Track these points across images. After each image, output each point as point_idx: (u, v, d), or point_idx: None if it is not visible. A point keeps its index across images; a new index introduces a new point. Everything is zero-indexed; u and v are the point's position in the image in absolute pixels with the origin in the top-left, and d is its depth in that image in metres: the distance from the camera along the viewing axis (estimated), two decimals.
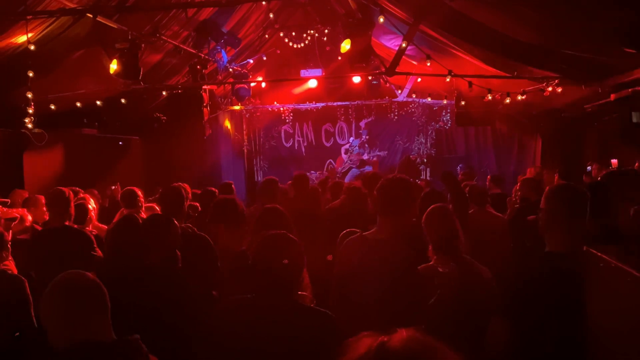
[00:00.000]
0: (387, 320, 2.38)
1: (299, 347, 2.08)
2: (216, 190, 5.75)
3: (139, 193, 5.18)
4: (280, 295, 2.18)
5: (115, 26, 6.65)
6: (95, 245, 4.11)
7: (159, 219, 3.37)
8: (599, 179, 4.24)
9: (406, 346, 0.90)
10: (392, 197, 2.84)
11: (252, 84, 11.09)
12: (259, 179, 14.15)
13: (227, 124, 13.79)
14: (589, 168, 9.13)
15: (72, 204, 4.31)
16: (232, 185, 6.41)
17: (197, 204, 5.83)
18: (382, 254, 2.75)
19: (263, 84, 12.78)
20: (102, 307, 1.93)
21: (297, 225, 3.59)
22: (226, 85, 11.38)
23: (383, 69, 8.02)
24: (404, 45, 7.29)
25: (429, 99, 13.01)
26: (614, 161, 8.49)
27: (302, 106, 13.85)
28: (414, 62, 9.44)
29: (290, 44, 11.67)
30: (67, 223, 4.22)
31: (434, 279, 2.82)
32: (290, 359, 2.08)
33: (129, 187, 5.31)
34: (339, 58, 10.94)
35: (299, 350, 2.07)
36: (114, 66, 6.74)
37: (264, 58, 12.03)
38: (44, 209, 5.19)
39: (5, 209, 4.75)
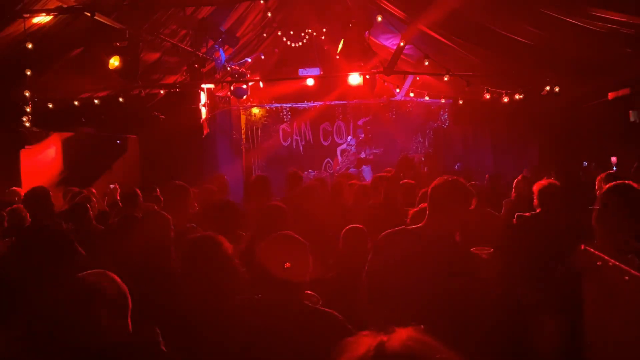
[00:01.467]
0: (426, 314, 2.34)
1: (307, 347, 2.08)
2: (215, 188, 5.70)
3: (139, 193, 5.14)
4: (286, 296, 2.20)
5: (114, 25, 6.64)
6: (74, 245, 3.99)
7: (155, 216, 3.35)
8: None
9: (405, 346, 0.90)
10: (442, 198, 2.83)
11: (250, 83, 11.08)
12: None
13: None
14: (585, 163, 9.15)
15: (51, 202, 4.17)
16: (224, 177, 6.35)
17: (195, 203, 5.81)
18: (426, 247, 2.73)
19: (261, 84, 12.76)
20: (125, 310, 1.92)
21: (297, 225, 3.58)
22: (224, 84, 11.35)
23: (381, 68, 8.02)
24: (402, 44, 7.30)
25: (427, 98, 13.01)
26: (614, 159, 8.51)
27: (300, 105, 13.84)
28: (412, 61, 9.44)
29: (289, 42, 11.66)
30: (49, 222, 4.06)
31: (477, 273, 2.79)
32: (298, 359, 2.09)
33: (129, 187, 5.27)
34: (337, 57, 10.93)
35: (306, 351, 2.08)
36: (115, 62, 6.71)
37: (262, 57, 12.02)
38: None
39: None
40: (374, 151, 14.06)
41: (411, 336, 0.92)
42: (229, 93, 12.11)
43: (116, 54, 6.70)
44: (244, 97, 11.57)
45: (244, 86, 10.82)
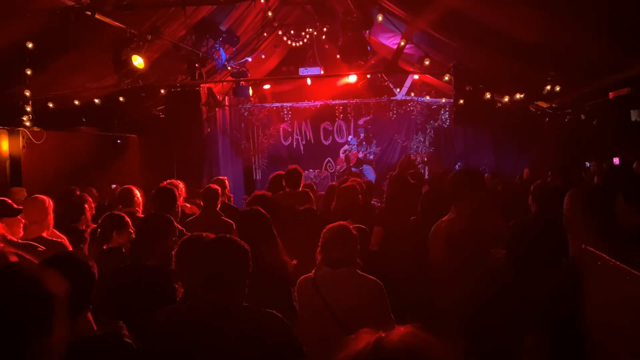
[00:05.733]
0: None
1: (247, 348, 2.05)
2: (219, 188, 5.66)
3: (136, 192, 5.09)
4: (223, 299, 2.13)
5: (114, 24, 6.64)
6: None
7: (159, 219, 3.33)
8: None
9: (404, 341, 0.90)
10: (455, 187, 3.36)
11: (250, 82, 11.09)
12: (258, 177, 14.15)
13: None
14: (587, 164, 9.12)
15: (50, 212, 4.00)
16: (226, 181, 6.35)
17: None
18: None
19: (265, 86, 12.82)
20: (86, 305, 1.93)
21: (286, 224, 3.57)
22: (225, 83, 11.37)
23: (382, 68, 8.02)
24: (402, 43, 7.30)
25: (428, 98, 13.01)
26: (616, 160, 8.47)
27: (301, 104, 13.84)
28: (413, 60, 9.44)
29: (289, 42, 11.66)
30: (44, 234, 3.86)
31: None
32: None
33: (126, 186, 5.23)
34: (338, 56, 10.92)
35: (248, 353, 2.05)
36: (142, 62, 6.76)
37: (263, 56, 12.01)
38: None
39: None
40: (372, 150, 14.05)
41: (409, 332, 0.92)
42: (229, 92, 12.14)
43: (134, 54, 6.73)
44: (245, 96, 11.60)
45: (245, 85, 10.85)
